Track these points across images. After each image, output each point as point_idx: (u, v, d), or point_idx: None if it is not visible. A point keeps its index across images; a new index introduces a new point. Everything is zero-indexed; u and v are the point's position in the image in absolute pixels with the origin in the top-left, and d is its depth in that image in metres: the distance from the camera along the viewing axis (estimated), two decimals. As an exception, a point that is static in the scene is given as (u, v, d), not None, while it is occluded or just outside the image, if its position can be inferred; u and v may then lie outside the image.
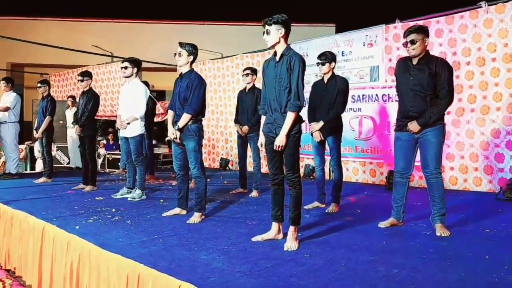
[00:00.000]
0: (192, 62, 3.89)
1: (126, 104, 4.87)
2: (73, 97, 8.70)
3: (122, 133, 4.94)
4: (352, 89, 6.25)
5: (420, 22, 5.57)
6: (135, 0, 15.17)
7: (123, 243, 2.93)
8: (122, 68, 4.85)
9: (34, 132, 6.56)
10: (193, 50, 3.84)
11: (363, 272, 2.35)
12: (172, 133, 3.85)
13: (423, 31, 3.22)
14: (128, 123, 4.76)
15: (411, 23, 5.63)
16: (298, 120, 2.90)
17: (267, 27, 2.90)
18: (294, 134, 2.89)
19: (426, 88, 3.18)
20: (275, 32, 2.88)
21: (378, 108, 6.03)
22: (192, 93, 3.77)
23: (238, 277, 2.27)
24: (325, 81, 4.18)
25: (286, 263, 2.51)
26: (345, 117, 4.28)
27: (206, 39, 13.79)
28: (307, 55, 6.81)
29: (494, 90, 5.03)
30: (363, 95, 6.19)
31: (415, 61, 3.26)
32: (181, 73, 3.92)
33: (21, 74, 13.91)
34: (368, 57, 6.13)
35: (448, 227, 3.22)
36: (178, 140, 3.82)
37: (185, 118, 3.76)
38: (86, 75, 5.59)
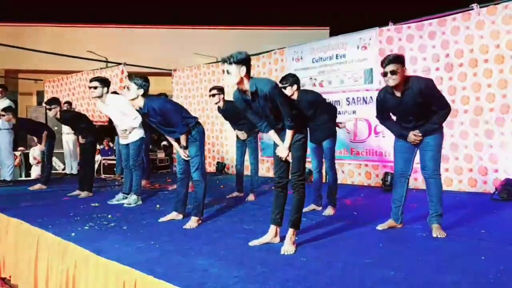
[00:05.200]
0: (143, 95, 3.77)
1: (119, 120, 4.85)
2: (69, 103, 8.66)
3: (122, 141, 4.94)
4: (346, 92, 6.31)
5: (413, 25, 5.62)
6: (130, 6, 15.17)
7: (120, 250, 2.92)
8: (90, 88, 4.63)
9: (38, 146, 6.44)
10: (143, 83, 3.75)
11: (359, 275, 2.35)
12: (184, 155, 3.86)
13: (400, 60, 3.14)
14: (129, 133, 4.80)
15: (404, 26, 5.69)
16: (301, 127, 2.97)
17: (227, 66, 2.81)
18: (300, 139, 2.95)
19: (420, 113, 3.19)
20: (236, 71, 2.79)
21: (373, 110, 6.00)
22: (169, 119, 3.75)
23: (235, 282, 2.27)
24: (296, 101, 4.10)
25: (282, 267, 2.51)
26: (340, 119, 4.29)
27: (200, 43, 13.83)
28: (301, 58, 6.84)
29: (487, 91, 5.08)
30: (357, 98, 6.21)
31: (398, 93, 3.19)
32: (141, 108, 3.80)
33: (15, 80, 13.86)
34: (362, 60, 6.16)
35: (443, 228, 3.23)
36: (187, 156, 3.85)
37: (183, 138, 3.79)
38: (54, 102, 5.47)
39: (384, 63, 3.14)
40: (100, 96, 4.68)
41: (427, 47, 5.48)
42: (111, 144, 10.05)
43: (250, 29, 13.77)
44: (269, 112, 2.89)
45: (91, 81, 4.69)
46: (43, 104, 5.58)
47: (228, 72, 2.82)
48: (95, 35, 14.01)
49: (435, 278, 2.29)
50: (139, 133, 4.84)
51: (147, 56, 12.59)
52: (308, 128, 3.12)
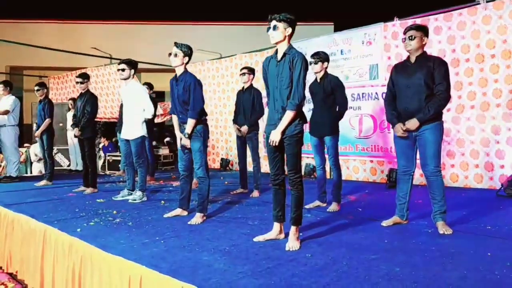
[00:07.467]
0: (186, 63, 3.84)
1: (128, 108, 4.85)
2: (74, 100, 8.68)
3: (123, 135, 4.93)
4: (352, 88, 6.27)
5: (419, 20, 5.57)
6: (133, 2, 15.16)
7: (125, 245, 2.93)
8: (119, 70, 4.79)
9: (34, 132, 6.53)
10: (188, 51, 3.80)
11: (364, 271, 2.34)
12: (180, 141, 3.84)
13: (422, 30, 3.24)
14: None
15: (410, 21, 5.64)
16: (300, 119, 2.89)
17: (275, 22, 2.85)
18: (297, 134, 2.87)
19: (424, 85, 3.16)
20: (282, 29, 2.85)
21: (378, 106, 6.02)
22: (191, 96, 3.75)
23: (240, 277, 2.27)
24: (318, 80, 4.21)
25: (287, 263, 2.51)
26: (345, 115, 4.28)
27: (204, 39, 13.80)
28: (305, 54, 6.78)
29: (494, 86, 5.03)
30: (362, 94, 6.19)
31: (412, 60, 3.27)
32: (176, 75, 3.87)
33: (20, 77, 13.94)
34: (367, 56, 6.12)
35: (449, 224, 3.21)
36: (188, 146, 3.82)
37: (191, 123, 3.75)
38: (85, 77, 5.58)
39: (405, 30, 3.27)
40: (127, 78, 4.79)
41: (433, 42, 5.43)
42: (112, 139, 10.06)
43: (254, 25, 13.71)
44: (284, 84, 2.83)
45: (119, 63, 4.84)
46: (75, 78, 5.70)
47: (274, 28, 2.84)
48: (100, 32, 14.03)
49: (441, 274, 2.28)
50: (140, 131, 4.82)
51: (151, 52, 12.60)
52: (306, 123, 3.06)
